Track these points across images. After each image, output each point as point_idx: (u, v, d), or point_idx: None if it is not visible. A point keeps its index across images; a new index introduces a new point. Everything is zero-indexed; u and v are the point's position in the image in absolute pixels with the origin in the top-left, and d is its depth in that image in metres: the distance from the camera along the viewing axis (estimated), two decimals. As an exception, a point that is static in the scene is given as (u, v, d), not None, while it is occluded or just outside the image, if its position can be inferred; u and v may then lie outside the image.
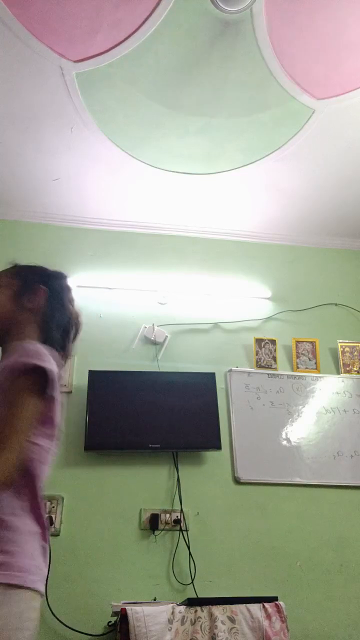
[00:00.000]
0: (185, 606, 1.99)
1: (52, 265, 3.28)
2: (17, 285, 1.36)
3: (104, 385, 2.68)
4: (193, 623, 1.94)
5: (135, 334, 2.95)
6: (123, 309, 3.04)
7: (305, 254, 3.43)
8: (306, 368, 3.01)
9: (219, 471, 2.67)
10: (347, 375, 3.02)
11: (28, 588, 1.08)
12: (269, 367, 2.97)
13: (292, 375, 2.97)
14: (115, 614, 2.08)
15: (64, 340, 1.37)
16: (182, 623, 1.94)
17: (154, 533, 2.48)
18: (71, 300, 1.46)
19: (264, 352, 3.00)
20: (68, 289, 1.47)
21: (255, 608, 2.00)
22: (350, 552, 2.58)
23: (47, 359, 1.18)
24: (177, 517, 2.51)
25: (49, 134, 2.61)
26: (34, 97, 2.40)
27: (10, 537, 1.09)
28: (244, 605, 2.01)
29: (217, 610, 1.97)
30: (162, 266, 3.20)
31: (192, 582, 2.39)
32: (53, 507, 2.43)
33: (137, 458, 2.63)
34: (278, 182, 2.95)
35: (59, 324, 1.36)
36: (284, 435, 2.79)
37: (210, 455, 2.69)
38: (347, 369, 3.04)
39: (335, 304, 3.26)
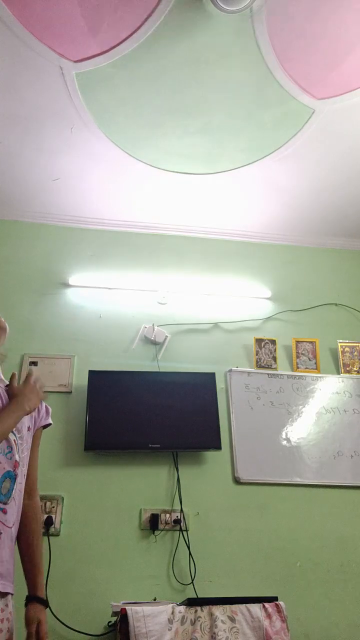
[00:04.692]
0: (185, 606, 1.99)
1: (51, 265, 3.26)
2: None
3: (104, 385, 2.68)
4: (193, 623, 1.94)
5: (135, 334, 2.95)
6: (123, 309, 3.04)
7: (305, 254, 3.43)
8: (306, 368, 3.01)
9: (219, 471, 2.67)
10: (347, 375, 3.02)
11: None
12: (269, 367, 2.97)
13: (292, 375, 2.97)
14: (115, 614, 2.08)
15: None
16: (182, 623, 1.94)
17: (154, 533, 2.48)
18: None
19: (264, 352, 3.00)
20: None
21: (255, 608, 2.00)
22: (350, 552, 2.58)
23: None
24: (177, 517, 2.51)
25: (49, 134, 2.61)
26: (34, 97, 2.40)
27: None
28: (244, 605, 2.01)
29: (217, 610, 1.97)
30: (162, 266, 3.20)
31: (192, 582, 2.38)
32: (53, 507, 2.43)
33: (137, 458, 2.63)
34: (278, 182, 2.95)
35: None
36: (284, 435, 2.79)
37: (210, 455, 2.69)
38: (347, 369, 3.04)
39: (335, 304, 3.26)
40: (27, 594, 1.43)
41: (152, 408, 2.67)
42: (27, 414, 1.41)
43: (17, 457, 1.37)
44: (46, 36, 2.13)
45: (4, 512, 1.29)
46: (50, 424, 1.60)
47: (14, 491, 1.34)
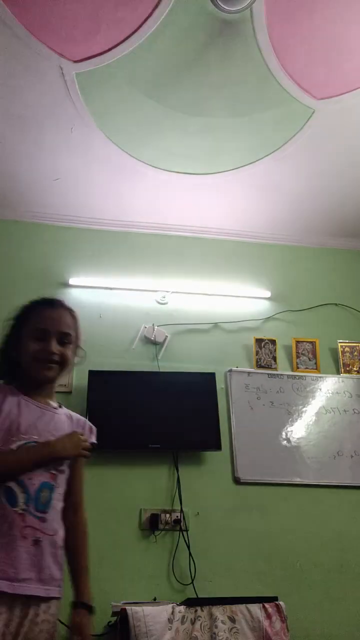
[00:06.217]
0: (185, 606, 1.99)
1: (51, 265, 3.25)
2: None
3: (104, 385, 2.68)
4: (193, 623, 1.94)
5: (135, 334, 2.95)
6: (123, 309, 3.04)
7: (305, 254, 3.43)
8: (306, 368, 3.01)
9: (219, 471, 2.67)
10: (347, 375, 3.02)
11: None
12: (269, 367, 2.97)
13: (292, 375, 2.97)
14: (115, 614, 2.08)
15: (9, 368, 1.49)
16: (182, 623, 1.94)
17: (154, 533, 2.48)
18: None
19: (264, 352, 3.00)
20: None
21: (255, 608, 2.00)
22: (350, 552, 2.58)
23: None
24: (177, 517, 2.51)
25: (49, 134, 2.61)
26: (34, 97, 2.40)
27: None
28: (244, 605, 2.01)
29: (217, 610, 1.97)
30: (162, 266, 3.20)
31: (192, 582, 2.39)
32: (53, 507, 2.43)
33: (137, 458, 2.63)
34: (278, 182, 2.95)
35: (5, 355, 1.50)
36: (284, 435, 2.79)
37: (210, 455, 2.69)
38: (347, 369, 3.04)
39: (335, 304, 3.26)
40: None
41: (152, 408, 2.67)
42: (55, 459, 1.37)
43: (52, 468, 1.38)
44: (46, 36, 2.13)
45: (43, 520, 1.30)
46: (95, 443, 1.55)
47: (52, 500, 1.34)
